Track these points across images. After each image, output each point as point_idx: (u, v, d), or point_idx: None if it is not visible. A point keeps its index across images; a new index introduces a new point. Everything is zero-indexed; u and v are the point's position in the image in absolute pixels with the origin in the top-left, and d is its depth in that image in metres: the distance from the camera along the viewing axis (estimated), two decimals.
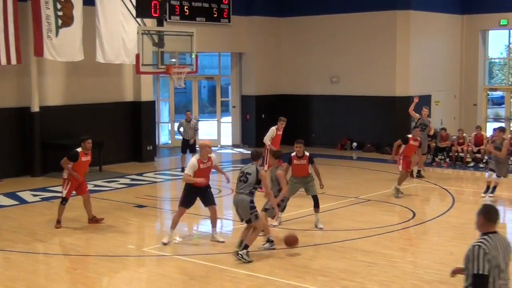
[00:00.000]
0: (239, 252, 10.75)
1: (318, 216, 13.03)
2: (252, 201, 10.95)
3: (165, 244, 11.85)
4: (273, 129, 17.48)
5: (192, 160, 11.89)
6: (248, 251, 10.75)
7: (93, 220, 13.57)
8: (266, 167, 15.75)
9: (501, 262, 5.79)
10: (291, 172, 13.23)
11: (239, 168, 22.14)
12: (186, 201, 12.00)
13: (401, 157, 16.38)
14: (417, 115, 19.45)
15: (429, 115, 20.10)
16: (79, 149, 13.05)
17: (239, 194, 11.04)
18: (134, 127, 22.20)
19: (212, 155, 12.15)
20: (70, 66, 20.10)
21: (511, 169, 18.02)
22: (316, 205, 12.96)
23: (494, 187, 15.85)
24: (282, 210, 12.90)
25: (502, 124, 25.78)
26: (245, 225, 11.20)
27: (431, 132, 20.01)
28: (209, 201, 12.21)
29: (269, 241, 11.55)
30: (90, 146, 13.13)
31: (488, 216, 5.94)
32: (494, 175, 15.67)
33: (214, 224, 12.29)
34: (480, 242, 5.80)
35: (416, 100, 19.75)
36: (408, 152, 16.43)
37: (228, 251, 11.56)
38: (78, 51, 19.14)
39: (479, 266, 5.70)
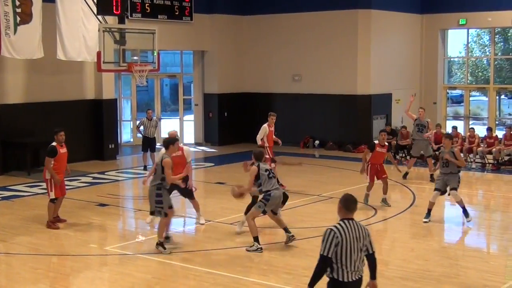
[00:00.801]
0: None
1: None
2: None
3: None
4: (264, 126, 17.07)
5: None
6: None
7: (56, 218, 13.41)
8: (273, 165, 16.14)
9: (352, 249, 6.32)
10: None
11: (202, 166, 22.20)
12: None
13: (369, 166, 15.02)
14: (414, 115, 18.65)
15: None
16: (54, 143, 13.10)
17: (278, 190, 11.48)
18: (96, 125, 22.02)
19: (185, 147, 12.99)
20: (30, 63, 19.85)
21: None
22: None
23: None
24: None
25: (461, 122, 26.23)
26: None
27: (429, 133, 19.02)
28: (189, 195, 12.97)
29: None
30: (63, 138, 13.16)
31: (346, 205, 6.51)
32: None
33: (197, 209, 13.25)
34: (334, 226, 6.37)
35: (411, 99, 19.06)
36: (376, 160, 15.02)
37: (191, 250, 11.56)
38: (37, 49, 18.88)
39: (325, 248, 6.31)
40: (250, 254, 11.17)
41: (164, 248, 11.22)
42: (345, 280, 6.33)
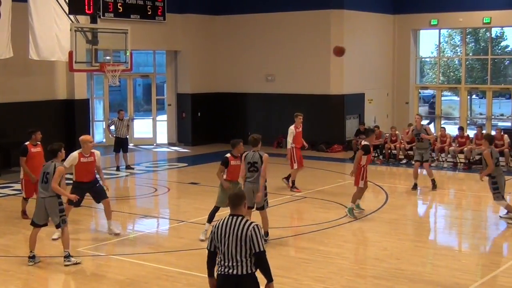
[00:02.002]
0: None
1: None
2: (266, 188, 11.51)
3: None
4: (291, 128, 17.07)
5: (73, 153, 12.01)
6: None
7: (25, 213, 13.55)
8: (295, 165, 16.65)
9: (221, 244, 6.40)
10: (227, 176, 12.13)
11: (175, 166, 22.13)
12: (70, 200, 11.70)
13: (365, 171, 13.98)
14: (411, 127, 17.74)
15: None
16: (26, 143, 13.33)
17: (252, 184, 11.37)
18: (68, 126, 21.82)
19: (96, 152, 12.17)
20: (0, 64, 19.62)
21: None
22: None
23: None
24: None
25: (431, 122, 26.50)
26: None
27: (432, 140, 17.88)
28: (100, 196, 12.32)
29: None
30: (39, 137, 13.47)
31: (229, 200, 6.58)
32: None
33: (109, 217, 12.41)
34: (217, 221, 6.57)
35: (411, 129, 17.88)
36: (367, 163, 14.17)
37: (164, 250, 11.53)
38: (6, 48, 18.64)
39: (208, 243, 6.61)
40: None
41: (74, 257, 10.70)
42: None
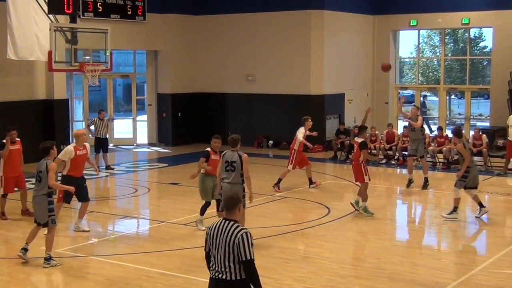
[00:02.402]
0: None
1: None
2: (244, 189, 11.30)
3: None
4: (302, 130, 17.22)
5: (68, 147, 12.50)
6: None
7: (26, 212, 13.85)
8: (290, 167, 16.81)
9: (213, 248, 6.32)
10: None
11: (156, 166, 22.05)
12: (66, 196, 12.44)
13: (364, 167, 14.23)
14: (408, 113, 17.63)
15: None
16: (4, 140, 13.80)
17: (230, 184, 11.22)
18: (47, 126, 21.68)
19: (87, 144, 12.72)
20: None
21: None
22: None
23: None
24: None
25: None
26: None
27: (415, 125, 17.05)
28: (84, 196, 12.72)
29: None
30: (14, 135, 13.92)
31: (223, 203, 6.49)
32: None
33: (81, 216, 12.79)
34: (212, 223, 6.41)
35: (403, 100, 18.94)
36: (364, 159, 14.25)
37: (145, 251, 11.50)
38: None
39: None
40: (202, 255, 11.12)
41: (54, 260, 10.63)
42: None
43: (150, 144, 26.33)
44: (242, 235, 6.18)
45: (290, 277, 9.96)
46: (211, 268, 6.40)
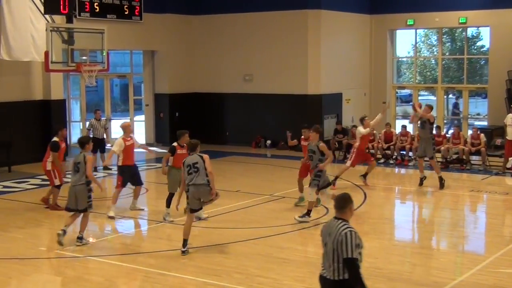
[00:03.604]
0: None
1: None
2: (211, 189, 11.27)
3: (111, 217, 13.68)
4: (360, 130, 17.22)
5: (118, 140, 13.99)
6: None
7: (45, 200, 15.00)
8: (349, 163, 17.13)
9: (323, 246, 6.46)
10: (173, 163, 13.40)
11: (153, 167, 22.01)
12: (123, 182, 14.19)
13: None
14: (420, 110, 17.12)
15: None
16: (56, 139, 14.78)
17: (195, 186, 11.09)
18: (45, 126, 21.60)
19: (132, 135, 14.42)
20: None
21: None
22: None
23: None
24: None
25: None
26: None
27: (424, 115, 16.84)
28: (139, 180, 14.50)
29: None
30: (65, 133, 15.28)
31: (335, 202, 6.55)
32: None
33: (136, 197, 14.57)
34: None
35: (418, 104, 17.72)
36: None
37: (143, 251, 11.48)
38: None
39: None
40: (202, 255, 11.12)
41: (85, 240, 11.81)
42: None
43: (148, 144, 26.23)
44: (346, 233, 6.27)
45: (290, 277, 9.94)
46: (321, 265, 6.50)
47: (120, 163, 14.08)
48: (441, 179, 16.87)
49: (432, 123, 16.87)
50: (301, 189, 14.82)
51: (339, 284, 6.26)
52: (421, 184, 17.08)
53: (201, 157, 11.22)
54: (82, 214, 11.73)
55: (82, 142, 11.96)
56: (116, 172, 19.38)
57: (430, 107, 17.32)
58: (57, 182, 14.70)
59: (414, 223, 14.53)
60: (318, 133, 13.61)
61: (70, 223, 11.86)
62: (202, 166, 11.14)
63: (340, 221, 6.38)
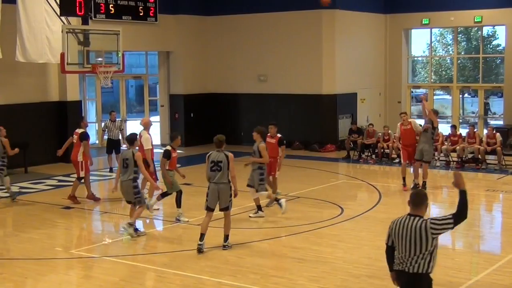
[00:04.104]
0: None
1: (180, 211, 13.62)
2: (231, 188, 11.40)
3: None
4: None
5: (146, 136, 14.96)
6: None
7: (91, 197, 15.66)
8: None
9: (398, 241, 6.61)
10: (169, 166, 13.53)
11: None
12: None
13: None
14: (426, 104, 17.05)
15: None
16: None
17: (216, 184, 11.17)
18: (60, 128, 21.73)
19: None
20: None
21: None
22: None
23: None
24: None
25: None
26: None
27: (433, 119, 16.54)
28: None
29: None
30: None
31: (410, 199, 6.72)
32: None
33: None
34: (397, 218, 6.72)
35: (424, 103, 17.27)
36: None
37: (158, 251, 11.52)
38: None
39: (386, 237, 6.82)
40: (217, 255, 11.14)
41: (134, 228, 12.23)
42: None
43: (163, 145, 26.27)
44: (426, 225, 6.49)
45: (304, 277, 9.94)
46: (396, 260, 6.68)
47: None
48: (424, 184, 16.36)
49: (434, 128, 16.54)
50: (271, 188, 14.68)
51: (416, 277, 6.55)
52: (414, 187, 16.26)
53: (227, 156, 11.20)
54: (137, 206, 12.41)
55: (132, 139, 12.52)
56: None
57: (436, 112, 17.12)
58: (82, 174, 15.28)
59: None
60: (259, 133, 13.79)
61: (132, 215, 12.43)
62: (226, 166, 11.13)
63: (417, 217, 6.58)
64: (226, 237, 11.40)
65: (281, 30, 25.19)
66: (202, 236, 11.20)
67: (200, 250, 11.12)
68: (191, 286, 9.67)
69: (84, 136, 15.44)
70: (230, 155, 11.25)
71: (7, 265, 10.91)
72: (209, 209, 11.29)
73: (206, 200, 11.30)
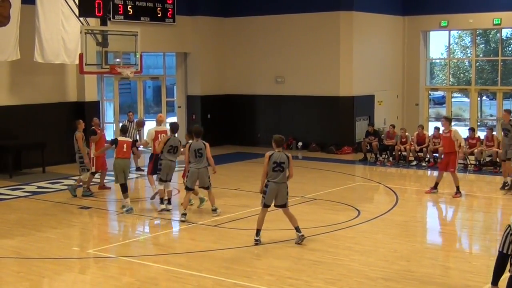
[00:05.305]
0: None
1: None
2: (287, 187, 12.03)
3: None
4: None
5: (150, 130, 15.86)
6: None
7: (103, 187, 17.31)
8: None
9: None
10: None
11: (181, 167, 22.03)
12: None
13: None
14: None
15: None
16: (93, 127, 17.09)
17: (277, 184, 11.64)
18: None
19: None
20: (11, 65, 19.74)
21: None
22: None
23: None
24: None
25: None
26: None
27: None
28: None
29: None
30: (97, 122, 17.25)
31: None
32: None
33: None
34: None
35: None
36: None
37: (174, 252, 11.54)
38: (13, 51, 18.74)
39: (500, 244, 6.28)
40: (233, 256, 11.16)
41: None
42: None
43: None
44: None
45: (320, 279, 9.92)
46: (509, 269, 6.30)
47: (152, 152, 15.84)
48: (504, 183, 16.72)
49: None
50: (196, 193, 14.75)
51: None
52: (502, 188, 16.78)
53: (288, 158, 11.72)
54: (209, 191, 14.01)
55: (200, 131, 13.88)
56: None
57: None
58: (93, 169, 16.55)
59: (446, 226, 14.40)
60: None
61: (186, 204, 13.81)
62: (287, 166, 11.71)
63: None
64: (297, 229, 11.88)
65: (299, 32, 25.17)
66: (258, 232, 11.73)
67: (257, 245, 11.64)
68: (207, 287, 9.68)
69: (90, 133, 17.01)
70: (290, 155, 11.79)
71: (24, 264, 10.98)
72: (266, 206, 11.80)
73: (263, 197, 11.72)
